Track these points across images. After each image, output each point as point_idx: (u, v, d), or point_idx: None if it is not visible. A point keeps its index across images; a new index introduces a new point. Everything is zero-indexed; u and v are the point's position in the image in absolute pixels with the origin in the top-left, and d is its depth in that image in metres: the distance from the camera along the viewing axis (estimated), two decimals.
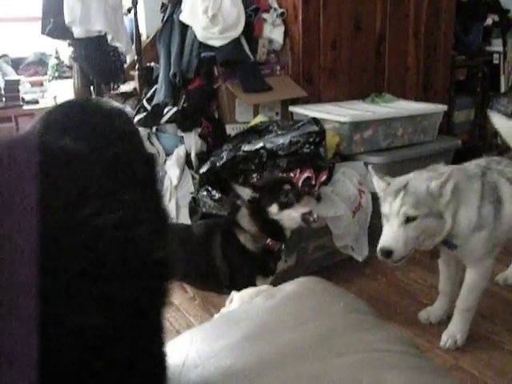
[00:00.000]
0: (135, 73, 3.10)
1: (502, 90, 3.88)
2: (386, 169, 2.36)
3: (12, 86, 4.26)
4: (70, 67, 3.95)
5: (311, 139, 2.24)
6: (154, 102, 2.82)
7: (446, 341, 1.86)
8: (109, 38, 3.09)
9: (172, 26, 2.88)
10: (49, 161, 0.46)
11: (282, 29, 2.85)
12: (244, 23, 2.68)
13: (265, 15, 2.82)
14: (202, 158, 2.55)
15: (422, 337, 1.95)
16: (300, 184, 2.14)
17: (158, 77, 2.93)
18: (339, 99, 2.95)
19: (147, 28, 3.43)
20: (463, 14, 3.64)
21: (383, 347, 0.75)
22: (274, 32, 2.84)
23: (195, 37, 2.71)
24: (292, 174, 2.18)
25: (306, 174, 2.19)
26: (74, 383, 0.42)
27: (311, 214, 1.73)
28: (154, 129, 2.76)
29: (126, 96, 3.30)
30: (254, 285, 1.60)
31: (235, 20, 2.65)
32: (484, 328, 1.98)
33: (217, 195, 2.22)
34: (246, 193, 1.73)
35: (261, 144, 2.26)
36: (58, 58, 4.71)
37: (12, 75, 4.74)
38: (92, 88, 3.42)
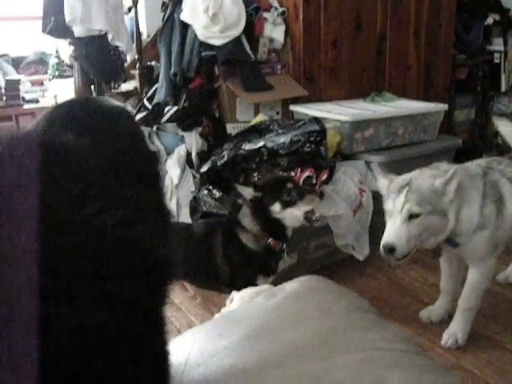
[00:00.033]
0: (136, 72, 3.10)
1: (503, 89, 3.87)
2: (386, 168, 2.34)
3: (12, 85, 4.26)
4: (71, 66, 3.95)
5: (312, 138, 2.24)
6: (155, 101, 2.83)
7: (447, 340, 1.86)
8: (109, 37, 3.09)
9: (173, 25, 2.88)
10: (50, 158, 0.46)
11: (282, 28, 2.85)
12: (245, 22, 2.68)
13: (265, 14, 2.82)
14: (203, 157, 2.55)
15: (423, 336, 1.95)
16: (301, 183, 2.14)
17: (158, 76, 2.94)
18: (340, 98, 2.96)
19: (148, 27, 3.43)
20: (464, 12, 3.63)
21: (384, 346, 0.74)
22: (274, 31, 2.84)
23: (196, 36, 2.71)
24: (293, 173, 2.18)
25: (306, 173, 2.19)
26: (75, 383, 0.42)
27: (313, 212, 1.73)
28: (154, 128, 2.76)
29: (126, 95, 3.30)
30: (255, 284, 1.59)
31: (236, 19, 2.65)
32: (485, 327, 1.98)
33: (217, 194, 2.22)
34: (247, 192, 1.73)
35: (262, 143, 2.26)
36: (58, 57, 4.72)
37: (12, 74, 4.74)
38: (93, 87, 3.42)
